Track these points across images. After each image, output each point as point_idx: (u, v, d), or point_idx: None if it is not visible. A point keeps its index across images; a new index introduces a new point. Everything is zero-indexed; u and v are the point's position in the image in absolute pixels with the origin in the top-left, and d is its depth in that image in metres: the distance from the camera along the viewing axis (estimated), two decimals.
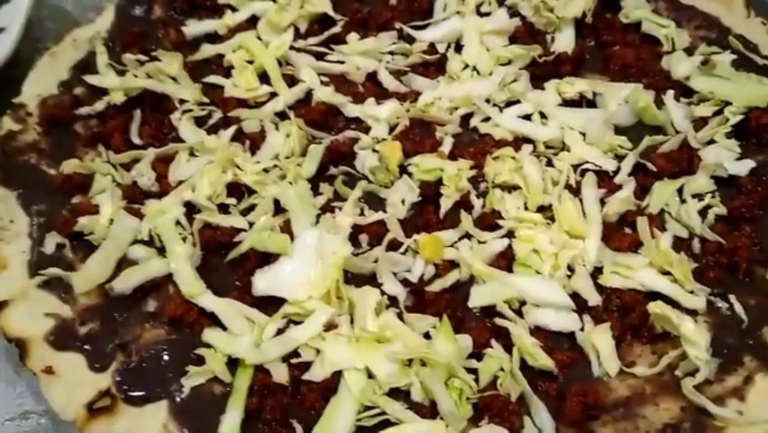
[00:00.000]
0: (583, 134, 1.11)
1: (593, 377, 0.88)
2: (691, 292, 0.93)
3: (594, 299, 0.92)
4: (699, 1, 1.29)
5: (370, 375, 0.85)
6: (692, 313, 0.91)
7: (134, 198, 1.03)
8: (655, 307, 0.89)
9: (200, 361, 0.87)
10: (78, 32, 1.23)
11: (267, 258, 0.97)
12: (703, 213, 1.02)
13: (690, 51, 1.21)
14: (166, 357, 0.88)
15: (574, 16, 1.26)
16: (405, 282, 0.96)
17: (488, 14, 1.29)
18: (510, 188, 1.05)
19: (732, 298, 0.93)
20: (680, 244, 0.99)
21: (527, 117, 1.14)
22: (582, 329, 0.90)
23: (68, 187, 1.04)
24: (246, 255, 0.97)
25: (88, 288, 0.93)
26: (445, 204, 1.03)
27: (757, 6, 1.27)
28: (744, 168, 1.04)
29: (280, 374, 0.86)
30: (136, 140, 1.10)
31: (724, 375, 0.87)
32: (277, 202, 1.03)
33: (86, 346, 0.88)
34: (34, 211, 1.01)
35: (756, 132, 1.09)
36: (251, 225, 1.01)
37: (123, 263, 0.96)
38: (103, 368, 0.87)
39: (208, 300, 0.91)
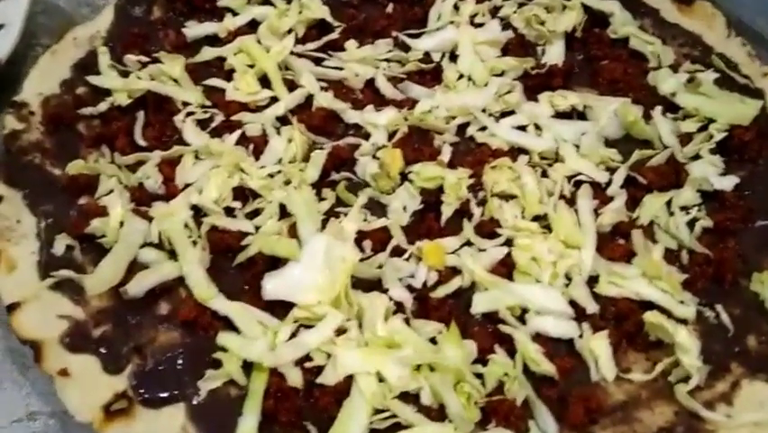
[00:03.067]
0: (577, 146, 1.15)
1: (591, 382, 0.92)
2: (681, 302, 0.98)
3: (591, 307, 0.97)
4: (682, 20, 1.35)
5: (381, 379, 0.88)
6: (683, 322, 0.96)
7: (141, 200, 1.04)
8: (651, 316, 0.94)
9: (216, 364, 0.89)
10: (79, 31, 1.22)
11: (275, 261, 0.99)
12: (690, 225, 1.07)
13: (674, 68, 1.27)
14: (181, 360, 0.89)
15: (564, 30, 1.31)
16: (409, 288, 0.99)
17: (481, 25, 1.33)
18: (508, 197, 1.09)
19: (719, 307, 0.99)
20: (669, 256, 1.04)
21: (522, 128, 1.18)
22: (581, 336, 0.95)
23: (75, 188, 1.04)
24: (254, 259, 0.99)
25: (101, 290, 0.94)
26: (446, 212, 1.06)
27: (737, 27, 1.33)
28: (728, 183, 1.10)
29: (294, 378, 0.88)
30: (140, 141, 1.11)
31: (713, 381, 0.92)
32: (281, 206, 1.05)
33: (101, 349, 0.89)
34: (41, 212, 1.01)
35: (739, 149, 1.15)
36: (257, 228, 1.02)
37: (134, 266, 0.97)
38: (118, 370, 0.88)
39: (221, 304, 0.93)
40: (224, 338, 0.90)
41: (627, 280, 0.99)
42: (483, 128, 1.18)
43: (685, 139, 1.17)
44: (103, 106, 1.13)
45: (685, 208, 1.09)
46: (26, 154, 1.07)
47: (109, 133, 1.11)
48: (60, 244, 0.98)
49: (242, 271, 1.00)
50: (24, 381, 0.97)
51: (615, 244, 1.04)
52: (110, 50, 1.20)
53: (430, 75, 1.26)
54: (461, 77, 1.25)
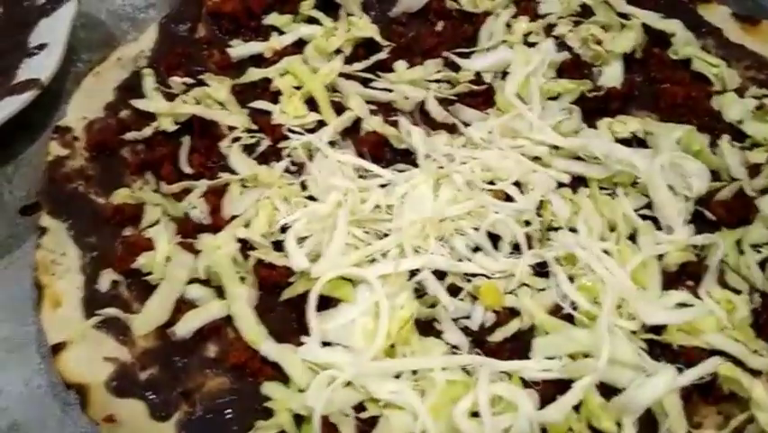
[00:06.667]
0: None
1: None
2: (755, 352, 0.92)
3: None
4: (747, 40, 1.28)
5: None
6: (756, 373, 0.91)
7: (187, 231, 1.01)
8: (726, 369, 0.88)
9: (266, 412, 0.85)
10: (123, 50, 1.19)
11: (326, 299, 0.95)
12: (762, 265, 1.01)
13: (740, 92, 1.21)
14: (231, 408, 0.86)
15: (623, 51, 1.25)
16: (465, 330, 0.94)
17: (534, 44, 1.27)
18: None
19: None
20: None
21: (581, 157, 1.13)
22: None
23: (119, 218, 1.01)
24: (303, 296, 0.95)
25: (148, 330, 0.90)
26: (504, 248, 1.02)
27: None
28: None
29: (347, 430, 0.84)
30: (186, 169, 1.07)
31: None
32: None
33: (148, 394, 0.86)
34: (85, 244, 0.98)
35: None
36: None
37: (181, 304, 0.94)
38: (165, 417, 0.85)
39: (270, 349, 0.89)
40: (271, 389, 0.87)
41: (696, 326, 0.93)
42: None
43: (753, 170, 1.11)
44: (148, 132, 1.10)
45: (756, 247, 1.03)
46: (70, 182, 1.03)
47: (154, 160, 1.08)
48: (105, 279, 0.95)
49: (290, 307, 0.96)
50: (66, 418, 0.93)
51: (683, 285, 0.99)
52: (154, 71, 1.17)
53: (482, 97, 1.21)
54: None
